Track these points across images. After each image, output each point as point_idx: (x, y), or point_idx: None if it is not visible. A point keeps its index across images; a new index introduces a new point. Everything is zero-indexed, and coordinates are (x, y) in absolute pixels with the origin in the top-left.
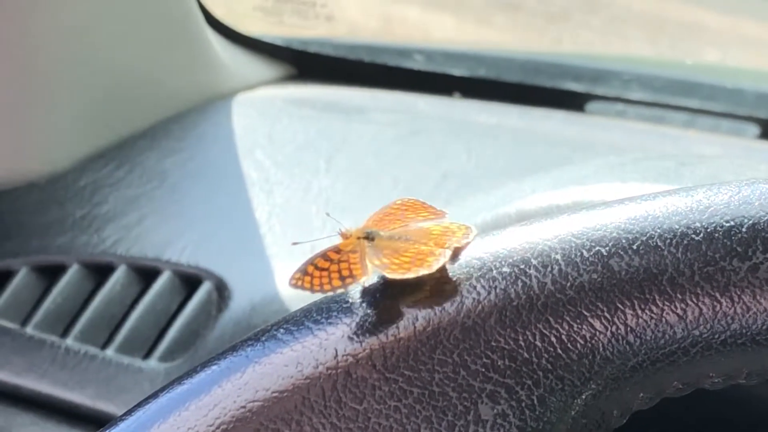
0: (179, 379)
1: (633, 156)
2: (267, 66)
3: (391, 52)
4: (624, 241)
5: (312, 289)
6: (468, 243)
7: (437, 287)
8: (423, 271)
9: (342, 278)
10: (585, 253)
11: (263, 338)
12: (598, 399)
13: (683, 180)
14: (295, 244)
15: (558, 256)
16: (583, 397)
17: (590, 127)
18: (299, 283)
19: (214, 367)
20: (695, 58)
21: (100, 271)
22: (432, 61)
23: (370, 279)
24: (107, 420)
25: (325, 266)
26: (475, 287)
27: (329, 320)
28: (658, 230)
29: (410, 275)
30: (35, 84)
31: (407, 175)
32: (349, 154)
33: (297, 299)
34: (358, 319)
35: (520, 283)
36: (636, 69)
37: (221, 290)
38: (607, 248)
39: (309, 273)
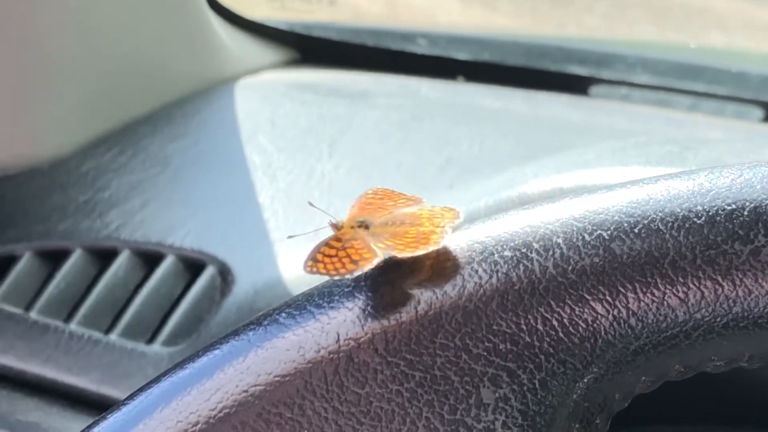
0: (181, 364)
1: (636, 140)
2: (270, 50)
3: (395, 36)
4: (626, 224)
5: (329, 273)
6: (460, 224)
7: (439, 271)
8: (431, 247)
9: (354, 262)
10: (587, 237)
11: (265, 322)
12: (599, 382)
13: (687, 163)
14: (290, 237)
15: (560, 240)
16: (585, 380)
17: (594, 111)
18: (314, 268)
19: (216, 352)
20: (700, 41)
21: (103, 256)
22: (436, 45)
23: (380, 260)
24: (111, 404)
25: (332, 253)
26: (476, 271)
27: (331, 304)
28: (660, 214)
29: (420, 252)
30: (37, 69)
31: (410, 159)
32: (352, 139)
33: (300, 283)
34: (360, 303)
35: (521, 267)
36: (641, 52)
37: (224, 275)
38: (609, 232)
39: (320, 260)
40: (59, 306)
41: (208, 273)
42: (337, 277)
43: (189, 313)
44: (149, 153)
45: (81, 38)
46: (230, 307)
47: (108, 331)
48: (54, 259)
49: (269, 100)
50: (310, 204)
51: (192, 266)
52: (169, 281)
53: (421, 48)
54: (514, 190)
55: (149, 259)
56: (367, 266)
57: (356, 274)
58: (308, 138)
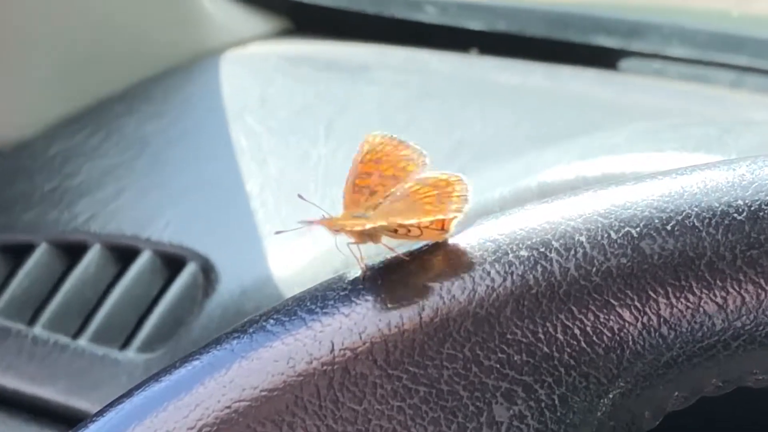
0: (156, 376)
1: (671, 122)
2: (260, 19)
3: (400, 3)
4: (657, 221)
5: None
6: (468, 203)
7: (446, 273)
8: (445, 236)
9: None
10: (613, 235)
11: (251, 330)
12: (627, 399)
13: (727, 149)
14: (278, 233)
15: (582, 238)
16: (611, 396)
17: (624, 87)
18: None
19: (195, 363)
20: (744, 8)
21: (71, 251)
22: (446, 13)
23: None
24: (80, 417)
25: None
26: (489, 273)
27: (324, 310)
28: (696, 209)
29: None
30: (0, 41)
31: (417, 142)
32: (351, 120)
33: (292, 283)
34: (357, 309)
35: (539, 269)
36: (676, 21)
37: (207, 272)
38: (638, 229)
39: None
40: (22, 307)
41: (189, 270)
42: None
43: (167, 315)
44: (124, 134)
45: (49, 6)
46: (214, 308)
47: (76, 335)
48: (16, 254)
49: (259, 76)
50: (300, 197)
51: (171, 262)
52: (146, 279)
53: (430, 16)
54: (532, 178)
55: (123, 254)
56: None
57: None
58: (302, 118)
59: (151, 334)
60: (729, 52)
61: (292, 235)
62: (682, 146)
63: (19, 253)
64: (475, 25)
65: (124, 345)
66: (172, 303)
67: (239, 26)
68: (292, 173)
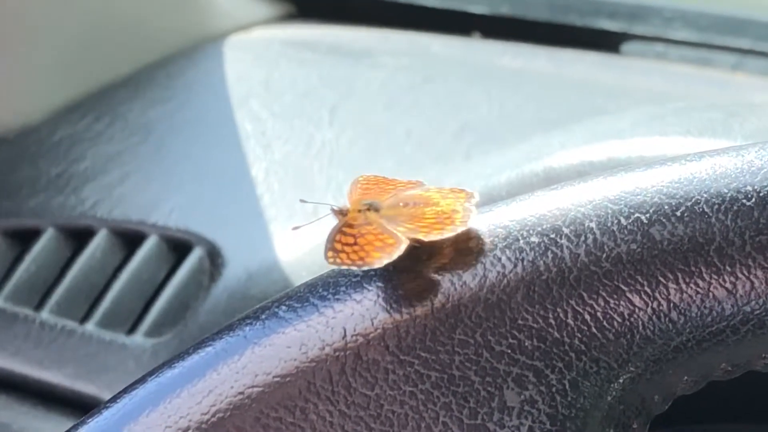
0: (169, 363)
1: (675, 106)
2: (263, 4)
3: None
4: (666, 207)
5: (354, 264)
6: (477, 204)
7: (457, 259)
8: (459, 228)
9: (379, 249)
10: (623, 221)
11: (263, 316)
12: (637, 383)
13: (732, 134)
14: (295, 228)
15: (592, 224)
16: (621, 381)
17: (627, 70)
18: (337, 260)
19: (208, 349)
20: None
21: (78, 236)
22: None
23: (405, 245)
24: (87, 402)
25: (350, 241)
26: (499, 259)
27: (337, 296)
28: (705, 195)
29: (447, 234)
30: (4, 27)
31: (421, 126)
32: (355, 104)
33: (299, 267)
34: (369, 295)
35: (550, 255)
36: (679, 4)
37: (213, 257)
38: (648, 215)
39: (340, 250)
40: (29, 292)
41: (196, 255)
42: (364, 268)
43: (174, 300)
44: (129, 120)
45: None
46: (220, 293)
47: (84, 320)
48: (23, 239)
49: (263, 60)
50: (303, 201)
51: (177, 247)
52: (152, 264)
53: (432, 0)
54: (538, 163)
55: (129, 239)
56: (395, 252)
57: (384, 262)
58: (306, 103)
59: (158, 319)
60: (731, 35)
61: (300, 218)
62: (686, 131)
63: (26, 238)
64: (477, 8)
65: (131, 330)
66: (179, 288)
67: (243, 11)
68: (297, 157)
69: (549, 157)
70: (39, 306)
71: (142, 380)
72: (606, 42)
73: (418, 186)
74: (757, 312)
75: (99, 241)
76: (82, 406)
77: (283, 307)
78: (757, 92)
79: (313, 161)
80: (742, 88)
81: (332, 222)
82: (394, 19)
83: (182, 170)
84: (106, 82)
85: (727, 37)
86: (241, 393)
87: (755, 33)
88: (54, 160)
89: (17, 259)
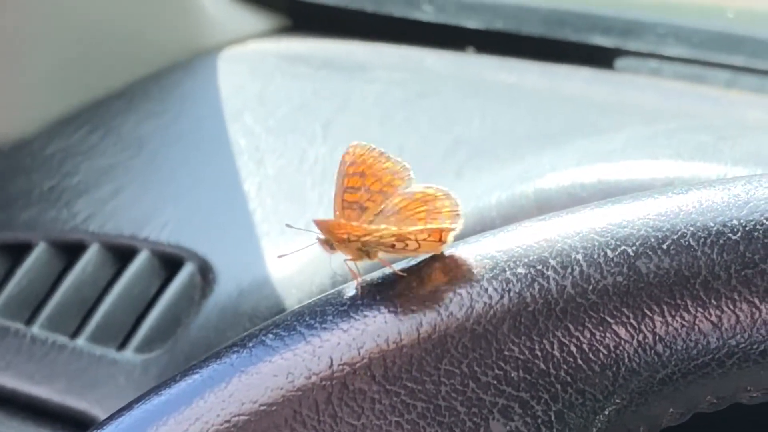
0: (156, 389)
1: (666, 127)
2: (258, 16)
3: (397, 2)
4: (653, 239)
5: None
6: (461, 213)
7: (444, 289)
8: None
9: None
10: (609, 253)
11: (250, 344)
12: (622, 415)
13: (722, 157)
14: (281, 257)
15: (579, 256)
16: (606, 412)
17: (620, 86)
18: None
19: (195, 376)
20: (740, 8)
21: (70, 250)
22: (443, 11)
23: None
24: (77, 417)
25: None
26: (486, 290)
27: (324, 325)
28: (691, 228)
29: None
30: None
31: (414, 141)
32: (349, 119)
33: (289, 284)
34: (355, 324)
35: (536, 286)
36: (672, 20)
37: (205, 272)
38: (634, 248)
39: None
40: (20, 307)
41: (187, 270)
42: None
43: (165, 316)
44: (122, 133)
45: (47, 5)
46: (211, 309)
47: (74, 335)
48: (14, 253)
49: (257, 74)
50: (288, 226)
51: (169, 262)
52: (144, 279)
53: (427, 15)
54: (529, 184)
55: (121, 254)
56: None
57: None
58: (300, 117)
59: (149, 335)
60: (725, 52)
61: (292, 233)
62: (677, 153)
63: (18, 252)
64: (471, 23)
65: (122, 345)
66: (170, 303)
67: (237, 24)
68: (290, 172)
69: (540, 178)
70: (30, 320)
71: (128, 407)
72: (600, 58)
73: (402, 180)
74: (742, 345)
75: (90, 255)
76: (72, 422)
77: (270, 336)
78: (750, 109)
79: (306, 177)
80: (736, 105)
81: (319, 249)
82: (389, 33)
83: (175, 184)
84: (100, 94)
85: (721, 53)
86: (228, 421)
87: (749, 50)
88: (47, 173)
89: (9, 273)
